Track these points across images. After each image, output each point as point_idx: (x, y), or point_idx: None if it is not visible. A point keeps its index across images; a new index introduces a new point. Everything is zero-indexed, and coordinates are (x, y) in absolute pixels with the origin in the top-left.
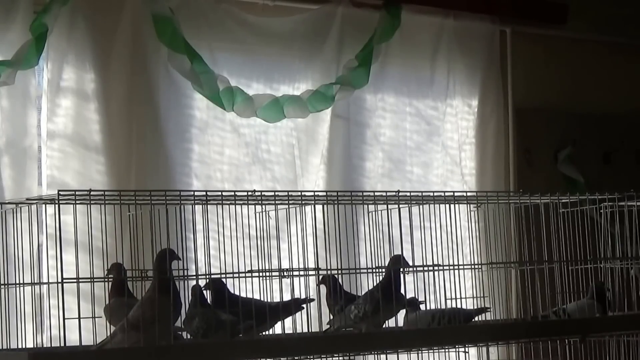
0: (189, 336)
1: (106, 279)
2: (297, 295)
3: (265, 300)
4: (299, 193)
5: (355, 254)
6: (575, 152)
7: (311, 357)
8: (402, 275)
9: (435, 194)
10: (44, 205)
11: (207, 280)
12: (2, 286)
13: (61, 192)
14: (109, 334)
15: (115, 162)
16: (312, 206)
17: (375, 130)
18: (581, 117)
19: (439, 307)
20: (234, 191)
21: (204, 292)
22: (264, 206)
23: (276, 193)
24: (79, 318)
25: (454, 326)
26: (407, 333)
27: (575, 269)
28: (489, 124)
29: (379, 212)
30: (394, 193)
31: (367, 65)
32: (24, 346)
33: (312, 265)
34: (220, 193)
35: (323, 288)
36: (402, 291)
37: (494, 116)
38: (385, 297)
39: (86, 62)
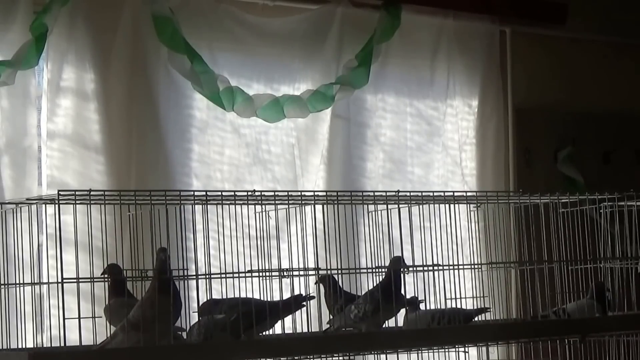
0: None
1: (106, 279)
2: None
3: (265, 299)
4: (299, 193)
5: (355, 254)
6: (575, 152)
7: (311, 357)
8: (402, 275)
9: (435, 194)
10: (44, 205)
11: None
12: (2, 286)
13: (61, 192)
14: (109, 334)
15: (115, 162)
16: (312, 206)
17: (376, 130)
18: (581, 117)
19: (439, 307)
20: (234, 191)
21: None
22: (263, 206)
23: (276, 193)
24: (79, 318)
25: (454, 326)
26: (407, 333)
27: (575, 269)
28: (489, 124)
29: (379, 212)
30: (393, 193)
31: (367, 65)
32: (24, 346)
33: (312, 265)
34: (220, 193)
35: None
36: (402, 291)
37: (494, 116)
38: (385, 297)
39: (86, 62)
